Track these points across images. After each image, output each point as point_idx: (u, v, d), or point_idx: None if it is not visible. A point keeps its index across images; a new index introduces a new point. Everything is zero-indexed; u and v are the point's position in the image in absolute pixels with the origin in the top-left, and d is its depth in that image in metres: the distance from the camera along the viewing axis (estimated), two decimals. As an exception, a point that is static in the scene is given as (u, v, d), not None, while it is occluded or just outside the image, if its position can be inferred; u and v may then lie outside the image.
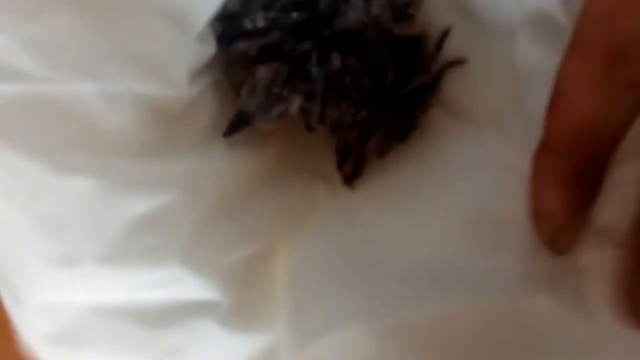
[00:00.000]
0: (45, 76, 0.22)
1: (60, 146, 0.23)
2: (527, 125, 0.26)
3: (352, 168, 0.29)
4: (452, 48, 0.29)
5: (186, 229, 0.25)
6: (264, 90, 0.26)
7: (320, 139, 0.30)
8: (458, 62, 0.29)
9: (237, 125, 0.27)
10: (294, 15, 0.27)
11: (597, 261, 0.25)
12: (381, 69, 0.27)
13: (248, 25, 0.27)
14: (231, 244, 0.26)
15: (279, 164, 0.29)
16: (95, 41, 0.24)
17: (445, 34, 0.29)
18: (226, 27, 0.28)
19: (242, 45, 0.27)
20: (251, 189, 0.28)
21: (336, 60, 0.27)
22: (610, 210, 0.24)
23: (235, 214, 0.27)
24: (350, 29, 0.27)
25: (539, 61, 0.26)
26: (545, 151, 0.23)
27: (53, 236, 0.23)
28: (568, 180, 0.22)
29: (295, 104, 0.27)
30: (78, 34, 0.24)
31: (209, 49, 0.27)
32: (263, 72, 0.26)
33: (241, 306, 0.26)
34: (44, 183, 0.23)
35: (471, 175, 0.28)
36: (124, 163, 0.24)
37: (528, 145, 0.24)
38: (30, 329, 0.24)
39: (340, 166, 0.29)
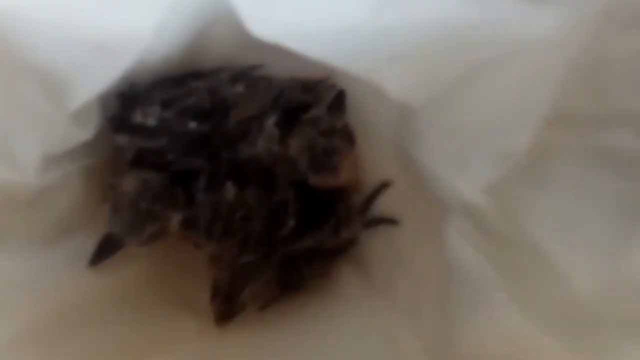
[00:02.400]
0: None
1: None
2: (441, 323, 0.21)
3: (221, 308, 0.24)
4: (387, 204, 0.25)
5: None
6: (130, 207, 0.21)
7: (203, 262, 0.25)
8: (389, 221, 0.25)
9: (104, 250, 0.23)
10: (192, 125, 0.22)
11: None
12: (281, 213, 0.22)
13: (138, 117, 0.22)
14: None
15: (144, 286, 0.24)
16: None
17: (382, 187, 0.25)
18: (121, 109, 0.23)
19: (122, 140, 0.22)
20: (91, 314, 0.23)
21: (229, 192, 0.22)
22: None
23: (56, 343, 0.21)
24: (256, 159, 0.22)
25: (460, 256, 0.21)
26: None
27: None
28: None
29: (173, 221, 0.22)
30: None
31: (85, 132, 0.22)
32: (129, 184, 0.21)
33: None
34: None
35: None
36: None
37: (437, 346, 0.21)
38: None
39: (212, 301, 0.24)
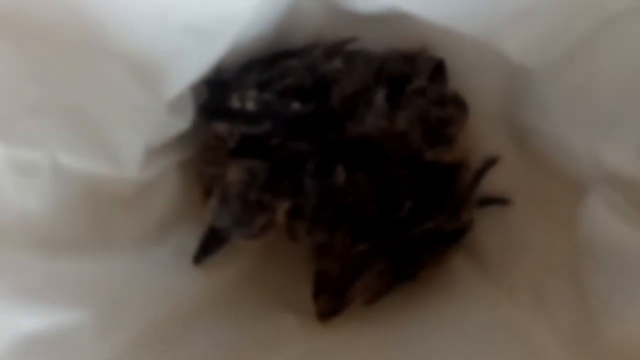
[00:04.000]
0: None
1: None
2: (578, 312, 0.19)
3: (328, 304, 0.22)
4: (495, 182, 0.23)
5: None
6: (238, 198, 0.20)
7: (301, 255, 0.23)
8: (500, 202, 0.22)
9: (209, 246, 0.22)
10: (295, 105, 0.20)
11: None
12: (396, 195, 0.20)
13: (235, 103, 0.20)
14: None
15: (246, 284, 0.23)
16: (21, 85, 0.18)
17: (490, 162, 0.22)
18: (213, 96, 0.21)
19: (221, 128, 0.21)
20: (199, 314, 0.21)
21: (340, 176, 0.20)
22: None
23: (169, 347, 0.20)
24: (366, 138, 0.20)
25: (607, 234, 0.18)
26: None
27: None
28: None
29: (281, 211, 0.21)
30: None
31: (182, 122, 0.21)
32: (235, 174, 0.20)
33: None
34: None
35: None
36: (28, 260, 0.18)
37: (576, 339, 0.18)
38: None
39: (316, 296, 0.23)
